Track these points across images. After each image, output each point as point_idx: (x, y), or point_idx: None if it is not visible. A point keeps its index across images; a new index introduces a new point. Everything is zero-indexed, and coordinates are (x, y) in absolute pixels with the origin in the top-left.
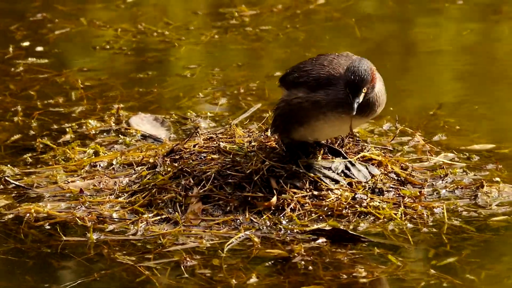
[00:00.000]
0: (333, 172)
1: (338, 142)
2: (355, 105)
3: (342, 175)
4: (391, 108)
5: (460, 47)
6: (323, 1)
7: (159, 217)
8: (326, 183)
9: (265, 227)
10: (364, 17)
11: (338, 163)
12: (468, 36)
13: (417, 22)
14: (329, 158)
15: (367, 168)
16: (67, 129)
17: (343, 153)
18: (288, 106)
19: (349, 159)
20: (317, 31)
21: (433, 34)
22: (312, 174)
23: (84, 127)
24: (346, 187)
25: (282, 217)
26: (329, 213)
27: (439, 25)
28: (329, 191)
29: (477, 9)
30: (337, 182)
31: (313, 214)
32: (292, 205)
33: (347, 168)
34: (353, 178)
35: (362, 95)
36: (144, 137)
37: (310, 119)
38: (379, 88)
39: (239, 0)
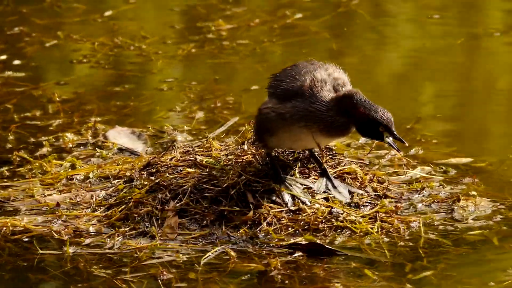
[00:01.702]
0: (305, 190)
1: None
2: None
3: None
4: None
5: (436, 63)
6: (300, 15)
7: (135, 231)
8: (301, 200)
9: (241, 241)
10: (341, 31)
11: (320, 184)
12: (448, 52)
13: (395, 34)
14: (306, 173)
15: (349, 191)
16: (44, 142)
17: (328, 173)
18: (260, 115)
19: (333, 180)
20: (294, 45)
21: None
22: (284, 190)
23: (61, 140)
24: (322, 201)
25: (259, 231)
26: (306, 227)
27: (419, 37)
28: (305, 206)
29: (459, 23)
30: (303, 202)
31: (289, 228)
32: (268, 219)
33: (328, 188)
34: (333, 199)
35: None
36: (121, 150)
37: (278, 130)
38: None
39: (216, 15)
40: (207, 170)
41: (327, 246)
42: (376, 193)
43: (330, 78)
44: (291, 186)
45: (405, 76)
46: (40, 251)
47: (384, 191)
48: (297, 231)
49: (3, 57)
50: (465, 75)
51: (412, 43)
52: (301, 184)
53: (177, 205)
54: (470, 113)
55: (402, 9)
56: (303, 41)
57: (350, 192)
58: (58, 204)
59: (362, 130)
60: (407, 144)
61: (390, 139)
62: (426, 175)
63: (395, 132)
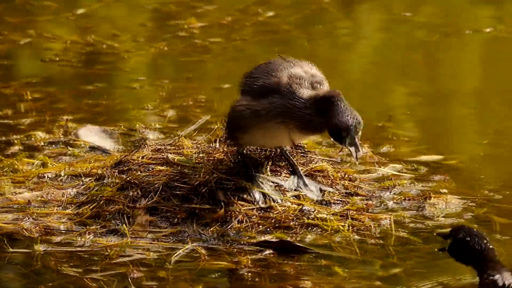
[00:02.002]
0: (275, 188)
1: (291, 154)
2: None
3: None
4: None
5: (407, 61)
6: (272, 13)
7: (106, 229)
8: (272, 198)
9: (212, 239)
10: (313, 30)
11: (291, 182)
12: (417, 50)
13: (366, 32)
14: (277, 170)
15: (320, 189)
16: (15, 141)
17: (300, 172)
18: (233, 113)
19: (304, 178)
20: (266, 43)
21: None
22: (255, 187)
23: (32, 138)
24: (293, 198)
25: (229, 229)
26: (276, 225)
27: (390, 35)
28: (276, 204)
29: (430, 21)
30: (274, 200)
31: (260, 226)
32: (239, 217)
33: (299, 187)
34: (304, 197)
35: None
36: (92, 148)
37: (252, 127)
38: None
39: (188, 12)
40: (179, 168)
41: (297, 244)
42: (347, 191)
43: (307, 75)
44: (262, 184)
45: (376, 74)
46: (10, 249)
47: (355, 189)
48: (268, 229)
49: None
50: (436, 73)
51: (384, 41)
52: (272, 182)
53: (148, 203)
54: (440, 111)
55: (374, 7)
56: (275, 39)
57: (321, 190)
58: (29, 202)
59: (330, 132)
60: (361, 153)
61: (351, 147)
62: (397, 173)
63: (355, 139)
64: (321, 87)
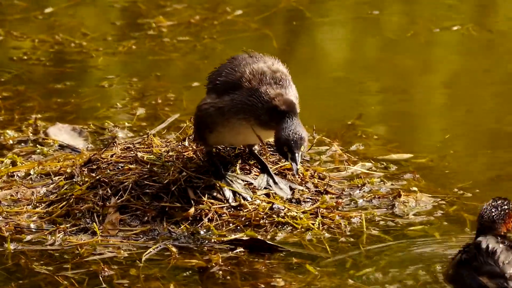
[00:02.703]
0: (245, 186)
1: (262, 152)
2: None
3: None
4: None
5: (375, 59)
6: (240, 12)
7: (76, 227)
8: (242, 196)
9: (183, 237)
10: (282, 28)
11: (261, 180)
12: (384, 49)
13: (335, 30)
14: (247, 169)
15: (290, 187)
16: None
17: (269, 170)
18: (199, 112)
19: (274, 176)
20: (235, 41)
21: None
22: (225, 186)
23: (1, 137)
24: (263, 196)
25: (200, 227)
26: (247, 223)
27: (358, 33)
28: (246, 202)
29: (399, 19)
30: (244, 198)
31: (230, 224)
32: (209, 215)
33: (269, 184)
34: (275, 195)
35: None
36: (62, 147)
37: (217, 125)
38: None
39: (157, 11)
40: (148, 166)
41: (268, 242)
42: (317, 189)
43: (270, 71)
44: (232, 182)
45: (345, 73)
46: None
47: (325, 187)
48: (238, 227)
49: None
50: (405, 71)
51: (353, 38)
52: (242, 180)
53: (118, 201)
54: (410, 109)
55: (343, 5)
56: (244, 38)
57: (291, 188)
58: None
59: (275, 144)
60: (300, 171)
61: (292, 162)
62: (367, 171)
63: (295, 155)
64: (284, 83)
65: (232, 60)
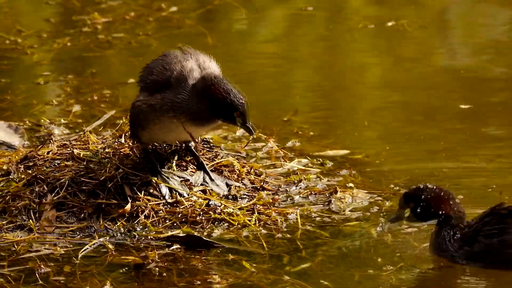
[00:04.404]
0: (182, 182)
1: (199, 149)
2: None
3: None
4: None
5: (310, 55)
6: (175, 8)
7: (13, 224)
8: (179, 192)
9: (119, 234)
10: (216, 24)
11: (198, 177)
12: (318, 45)
13: (269, 26)
14: (183, 165)
15: (226, 184)
16: None
17: (205, 167)
18: (132, 109)
19: (210, 173)
20: (170, 38)
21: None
22: (161, 182)
23: None
24: (200, 193)
25: (136, 224)
26: (183, 219)
27: (293, 32)
28: (183, 198)
29: (332, 16)
30: (181, 195)
31: (167, 221)
32: (146, 212)
33: (206, 181)
34: (211, 192)
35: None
36: None
37: (149, 122)
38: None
39: (92, 8)
40: (85, 163)
41: (205, 239)
42: (254, 185)
43: (199, 68)
44: (168, 178)
45: (280, 69)
46: None
47: (262, 183)
48: (175, 224)
49: None
50: (339, 67)
51: (287, 34)
52: (179, 177)
53: (55, 198)
54: (346, 105)
55: (277, 1)
56: (179, 34)
57: (228, 185)
58: None
59: (216, 111)
60: (255, 136)
61: (241, 123)
62: (303, 167)
63: (247, 120)
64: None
65: (163, 57)
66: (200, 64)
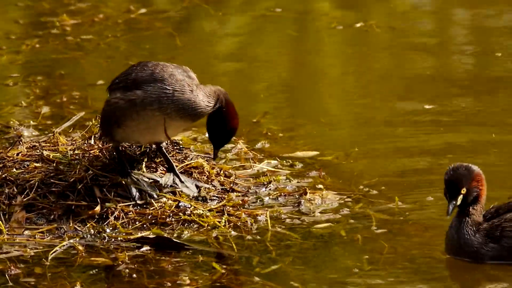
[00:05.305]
0: (151, 184)
1: (169, 151)
2: None
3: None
4: None
5: (278, 56)
6: (144, 10)
7: None
8: (149, 194)
9: (89, 236)
10: (186, 26)
11: (167, 179)
12: (287, 46)
13: (236, 28)
14: (153, 167)
15: (196, 185)
16: None
17: (175, 169)
18: (108, 106)
19: (179, 175)
20: (138, 40)
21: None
22: (131, 184)
23: None
24: (169, 194)
25: (106, 226)
26: (153, 221)
27: (261, 33)
28: (153, 200)
29: (300, 17)
30: (150, 196)
31: (137, 222)
32: (116, 214)
33: (175, 183)
34: (181, 193)
35: None
36: None
37: (126, 118)
38: (210, 102)
39: (61, 10)
40: (54, 165)
41: (174, 240)
42: (223, 187)
43: (180, 69)
44: (138, 180)
45: (249, 70)
46: None
47: (231, 185)
48: (145, 225)
49: None
50: (308, 69)
51: (254, 36)
52: (148, 178)
53: (24, 199)
54: (315, 106)
55: (247, 3)
56: (148, 36)
57: (197, 186)
58: None
59: (214, 124)
60: (214, 162)
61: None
62: (273, 169)
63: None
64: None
65: (139, 63)
66: (177, 67)
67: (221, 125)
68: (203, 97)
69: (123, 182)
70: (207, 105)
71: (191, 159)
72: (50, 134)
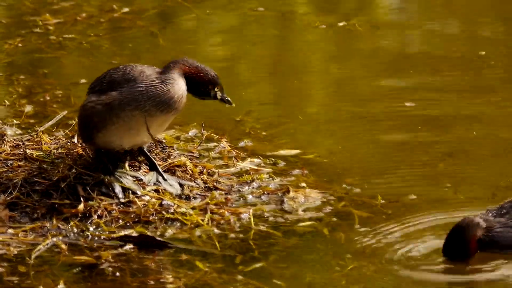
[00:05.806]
0: (136, 182)
1: (151, 150)
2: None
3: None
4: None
5: (262, 55)
6: (127, 9)
7: None
8: (132, 192)
9: (72, 234)
10: (168, 25)
11: (151, 177)
12: (269, 45)
13: (219, 26)
14: (136, 166)
15: (179, 184)
16: None
17: (158, 167)
18: (84, 111)
19: (163, 174)
20: (121, 39)
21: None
22: (114, 182)
23: None
24: (152, 193)
25: (89, 224)
26: (136, 219)
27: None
28: (136, 198)
29: (282, 16)
30: (134, 193)
31: (120, 221)
32: (99, 212)
33: (159, 181)
34: (164, 192)
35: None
36: None
37: (106, 123)
38: (180, 84)
39: (43, 9)
40: (38, 163)
41: (158, 239)
42: (207, 185)
43: (152, 69)
44: (121, 178)
45: (231, 69)
46: None
47: (214, 183)
48: (128, 224)
49: None
50: (290, 67)
51: (237, 34)
52: (132, 176)
53: (8, 198)
54: (297, 105)
55: (230, 1)
56: (130, 35)
57: (180, 185)
58: None
59: (192, 88)
60: (233, 105)
61: (220, 96)
62: (256, 167)
63: (223, 90)
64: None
65: (111, 68)
66: (149, 67)
67: (200, 86)
68: (173, 82)
69: (106, 180)
70: (181, 87)
71: (174, 158)
72: (33, 133)
